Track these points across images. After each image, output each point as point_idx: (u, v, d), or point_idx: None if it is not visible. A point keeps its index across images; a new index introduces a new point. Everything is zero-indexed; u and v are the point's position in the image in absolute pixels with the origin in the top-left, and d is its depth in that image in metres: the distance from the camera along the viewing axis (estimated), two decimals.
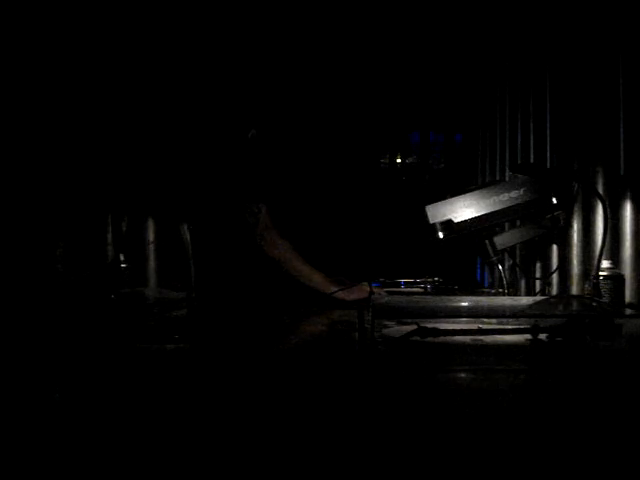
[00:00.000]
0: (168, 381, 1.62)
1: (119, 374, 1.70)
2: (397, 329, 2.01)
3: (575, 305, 2.44)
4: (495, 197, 2.84)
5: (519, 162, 3.52)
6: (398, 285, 3.83)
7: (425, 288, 3.71)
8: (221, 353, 2.01)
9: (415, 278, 3.89)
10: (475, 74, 4.16)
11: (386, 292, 3.21)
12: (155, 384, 1.59)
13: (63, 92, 3.16)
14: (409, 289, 3.69)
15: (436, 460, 1.09)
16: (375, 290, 3.14)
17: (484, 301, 2.72)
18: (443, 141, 4.86)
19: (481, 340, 1.89)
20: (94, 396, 1.49)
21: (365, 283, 3.24)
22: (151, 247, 3.23)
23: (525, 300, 2.63)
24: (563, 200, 2.84)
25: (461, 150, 4.69)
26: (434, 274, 3.86)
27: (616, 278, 2.45)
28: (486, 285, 4.04)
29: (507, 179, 3.61)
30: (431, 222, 2.86)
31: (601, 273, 2.48)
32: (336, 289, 3.08)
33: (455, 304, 2.50)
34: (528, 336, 1.90)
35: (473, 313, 2.27)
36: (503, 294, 2.96)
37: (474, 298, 2.81)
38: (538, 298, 2.66)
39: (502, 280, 2.99)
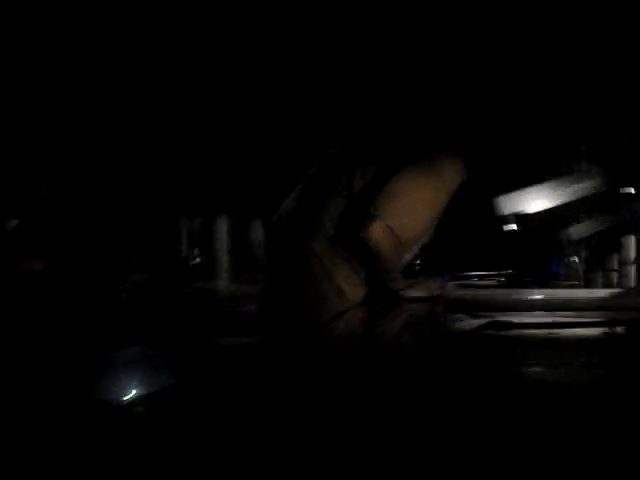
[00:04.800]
0: (244, 374, 1.65)
1: (200, 367, 1.74)
2: (470, 322, 2.00)
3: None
4: (569, 188, 2.78)
5: (593, 151, 3.43)
6: (470, 278, 3.77)
7: (498, 281, 3.64)
8: (294, 347, 2.03)
9: (488, 271, 3.82)
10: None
11: (455, 285, 3.17)
12: (232, 377, 1.62)
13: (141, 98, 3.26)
14: (482, 281, 3.63)
15: (508, 454, 1.08)
16: (441, 285, 3.10)
17: (558, 294, 2.67)
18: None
19: (556, 333, 1.86)
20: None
21: (430, 279, 3.19)
22: (224, 243, 3.28)
23: (601, 293, 2.57)
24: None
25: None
26: (507, 266, 3.79)
27: None
28: (561, 277, 3.95)
29: (582, 169, 3.52)
30: (504, 214, 2.82)
31: None
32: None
33: (528, 297, 2.46)
34: (605, 329, 1.86)
35: (547, 306, 2.23)
36: (578, 286, 2.90)
37: (548, 291, 2.75)
38: (614, 290, 2.60)
39: (577, 272, 2.93)
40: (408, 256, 3.03)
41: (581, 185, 2.77)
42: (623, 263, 3.13)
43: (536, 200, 2.79)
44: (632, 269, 3.05)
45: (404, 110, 3.25)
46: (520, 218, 2.79)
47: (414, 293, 3.06)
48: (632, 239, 3.06)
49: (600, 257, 3.34)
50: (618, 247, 3.19)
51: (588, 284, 2.98)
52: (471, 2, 3.34)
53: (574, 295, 2.53)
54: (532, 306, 2.23)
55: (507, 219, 2.84)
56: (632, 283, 3.06)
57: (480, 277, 3.75)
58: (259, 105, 3.71)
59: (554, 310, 1.99)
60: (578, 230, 2.94)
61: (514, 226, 2.78)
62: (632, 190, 2.69)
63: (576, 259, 2.91)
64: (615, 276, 3.24)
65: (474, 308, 2.20)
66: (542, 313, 1.96)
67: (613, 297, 2.27)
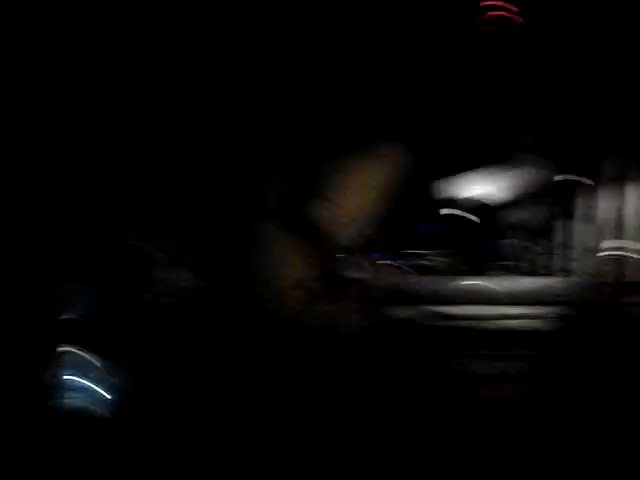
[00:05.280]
0: None
1: None
2: (400, 311, 2.06)
3: (580, 290, 2.48)
4: (507, 175, 2.87)
5: (532, 140, 3.53)
6: (411, 257, 3.79)
7: (437, 261, 3.69)
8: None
9: (430, 249, 3.86)
10: None
11: (394, 267, 3.24)
12: None
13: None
14: (422, 261, 3.66)
15: (441, 447, 1.17)
16: (379, 267, 3.17)
17: (489, 284, 2.74)
18: None
19: (489, 326, 1.95)
20: None
21: (369, 258, 3.25)
22: None
23: (531, 283, 2.67)
24: (578, 179, 2.86)
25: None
26: (448, 246, 3.85)
27: (619, 259, 2.49)
28: (498, 258, 4.03)
29: (520, 157, 3.62)
30: (443, 197, 2.91)
31: (606, 253, 2.52)
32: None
33: (459, 288, 2.54)
34: (536, 321, 1.95)
35: (475, 298, 2.32)
36: (509, 272, 2.98)
37: (478, 282, 2.82)
38: (545, 280, 2.69)
39: (512, 256, 3.03)
40: (348, 235, 3.12)
41: (519, 172, 2.86)
42: (564, 247, 3.23)
43: (475, 185, 2.88)
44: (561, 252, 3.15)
45: (345, 99, 3.31)
46: (459, 202, 2.88)
47: (352, 273, 3.13)
48: (564, 224, 3.16)
49: (534, 241, 3.45)
50: (550, 232, 3.29)
51: (522, 268, 3.08)
52: None
53: (505, 286, 2.61)
54: (461, 299, 2.31)
55: (447, 203, 2.94)
56: (562, 265, 3.16)
57: (420, 256, 3.80)
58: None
59: (484, 304, 2.07)
60: (515, 214, 3.04)
61: (454, 210, 2.88)
62: (568, 178, 2.80)
63: (513, 241, 3.02)
64: (547, 259, 3.34)
65: (404, 299, 2.26)
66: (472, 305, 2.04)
67: (544, 288, 2.37)
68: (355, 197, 2.97)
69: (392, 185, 3.07)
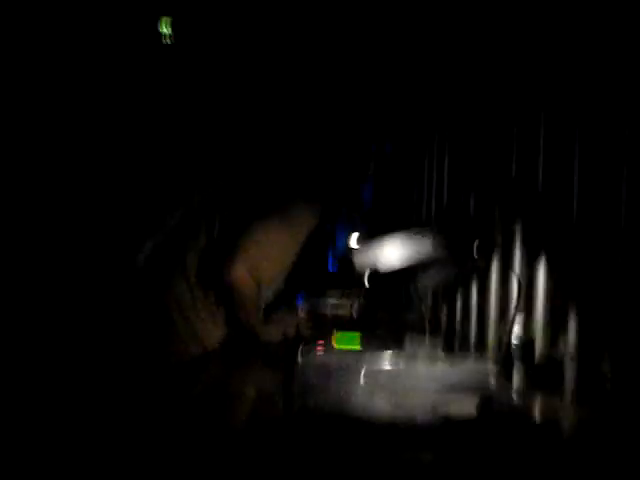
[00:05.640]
0: None
1: None
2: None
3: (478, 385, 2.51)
4: (418, 245, 2.96)
5: (441, 212, 3.64)
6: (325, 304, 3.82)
7: (351, 308, 3.73)
8: None
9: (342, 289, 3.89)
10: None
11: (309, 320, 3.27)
12: None
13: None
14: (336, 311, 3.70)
15: None
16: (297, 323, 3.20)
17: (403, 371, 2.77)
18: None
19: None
20: None
21: (286, 315, 3.27)
22: None
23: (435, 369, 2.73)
24: (482, 250, 2.97)
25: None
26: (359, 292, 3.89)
27: (526, 345, 2.59)
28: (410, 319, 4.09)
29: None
30: (357, 268, 2.99)
31: (513, 340, 2.62)
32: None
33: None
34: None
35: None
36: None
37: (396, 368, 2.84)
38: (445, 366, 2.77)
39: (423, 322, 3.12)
40: (266, 296, 3.13)
41: (429, 242, 2.95)
42: (464, 315, 3.34)
43: (387, 256, 2.95)
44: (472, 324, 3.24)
45: (259, 163, 3.37)
46: (372, 274, 2.95)
47: (270, 335, 3.14)
48: (473, 292, 3.26)
49: (442, 306, 3.54)
50: (461, 299, 3.39)
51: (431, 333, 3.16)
52: None
53: (412, 373, 2.65)
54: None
55: (360, 271, 3.01)
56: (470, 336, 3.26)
57: (334, 306, 3.84)
58: None
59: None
60: (425, 280, 3.12)
61: (366, 282, 2.94)
62: (474, 250, 2.88)
63: (421, 307, 3.11)
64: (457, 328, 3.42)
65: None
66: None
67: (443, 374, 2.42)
68: (271, 259, 2.99)
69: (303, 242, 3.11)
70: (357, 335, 3.11)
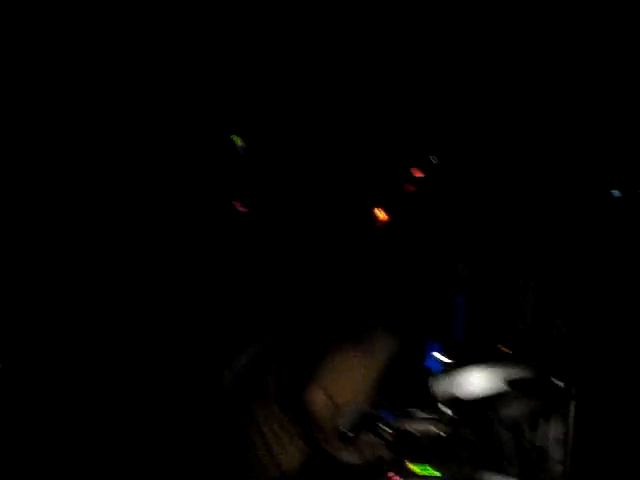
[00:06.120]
0: None
1: None
2: None
3: None
4: (503, 374, 2.91)
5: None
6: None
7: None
8: None
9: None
10: None
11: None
12: None
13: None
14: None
15: None
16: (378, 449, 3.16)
17: None
18: None
19: None
20: None
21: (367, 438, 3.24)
22: None
23: None
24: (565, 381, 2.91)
25: None
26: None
27: None
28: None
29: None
30: (439, 402, 2.97)
31: None
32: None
33: None
34: None
35: None
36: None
37: None
38: None
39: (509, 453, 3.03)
40: (344, 420, 3.15)
41: (514, 370, 2.91)
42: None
43: (469, 386, 2.93)
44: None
45: (341, 290, 3.46)
46: (454, 403, 2.93)
47: (349, 457, 3.12)
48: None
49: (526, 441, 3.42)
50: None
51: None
52: None
53: None
54: None
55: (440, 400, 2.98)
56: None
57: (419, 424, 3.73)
58: None
59: None
60: (508, 411, 3.06)
61: (450, 412, 2.92)
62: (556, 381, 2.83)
63: (509, 439, 3.03)
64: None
65: None
66: None
67: None
68: (349, 385, 3.04)
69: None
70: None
